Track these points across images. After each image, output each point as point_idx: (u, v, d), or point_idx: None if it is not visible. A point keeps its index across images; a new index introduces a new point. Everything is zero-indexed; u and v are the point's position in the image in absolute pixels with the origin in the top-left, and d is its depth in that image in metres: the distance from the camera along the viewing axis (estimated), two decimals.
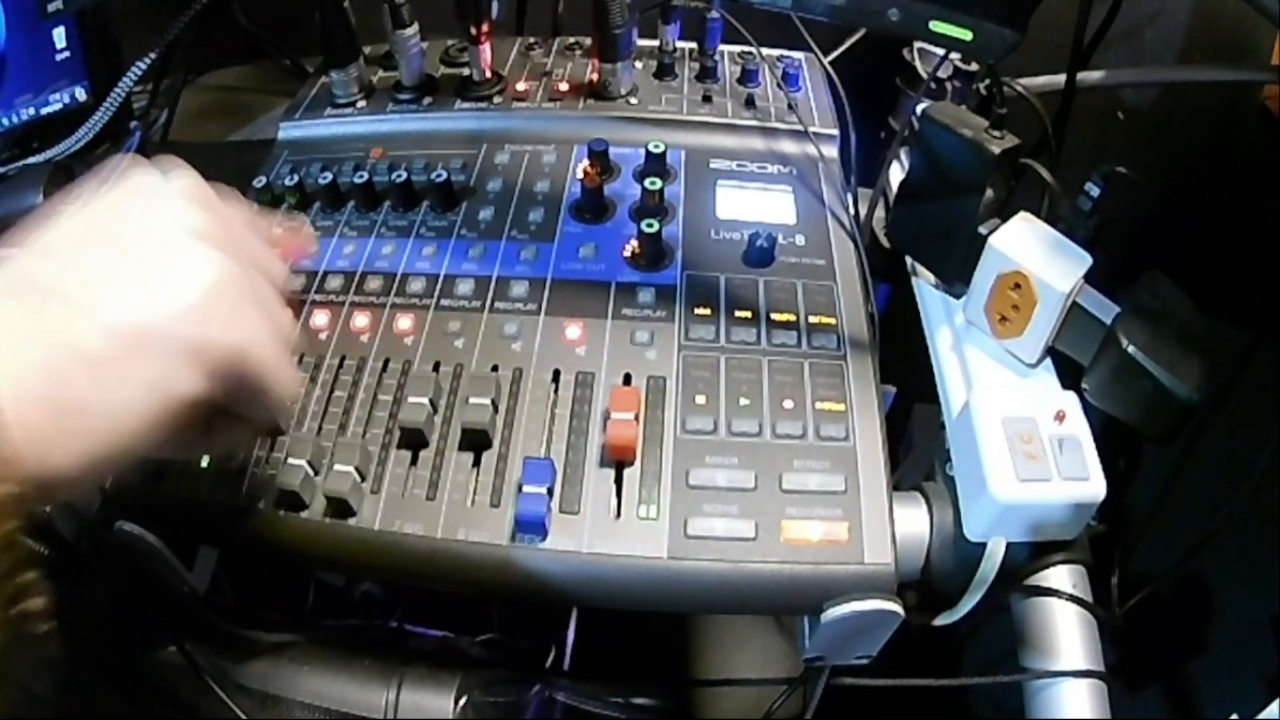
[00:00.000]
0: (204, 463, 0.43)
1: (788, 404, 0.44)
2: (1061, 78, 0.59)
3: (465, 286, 0.50)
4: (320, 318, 0.49)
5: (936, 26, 0.40)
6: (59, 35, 0.66)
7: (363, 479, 0.42)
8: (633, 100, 0.60)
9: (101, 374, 0.26)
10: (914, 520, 0.43)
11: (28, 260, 0.27)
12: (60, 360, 0.25)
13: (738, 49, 0.65)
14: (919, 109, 0.49)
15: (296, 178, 0.55)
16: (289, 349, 0.32)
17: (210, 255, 0.29)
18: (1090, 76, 0.60)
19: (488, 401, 0.42)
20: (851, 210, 0.55)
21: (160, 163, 0.32)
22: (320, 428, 0.44)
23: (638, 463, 0.42)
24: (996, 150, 0.44)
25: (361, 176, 0.54)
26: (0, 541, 0.22)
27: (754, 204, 0.54)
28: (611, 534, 0.40)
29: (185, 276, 0.28)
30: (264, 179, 0.55)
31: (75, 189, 0.31)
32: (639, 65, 0.63)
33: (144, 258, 0.28)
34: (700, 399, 0.44)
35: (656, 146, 0.54)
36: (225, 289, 0.29)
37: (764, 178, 0.56)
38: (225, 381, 0.29)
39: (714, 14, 0.63)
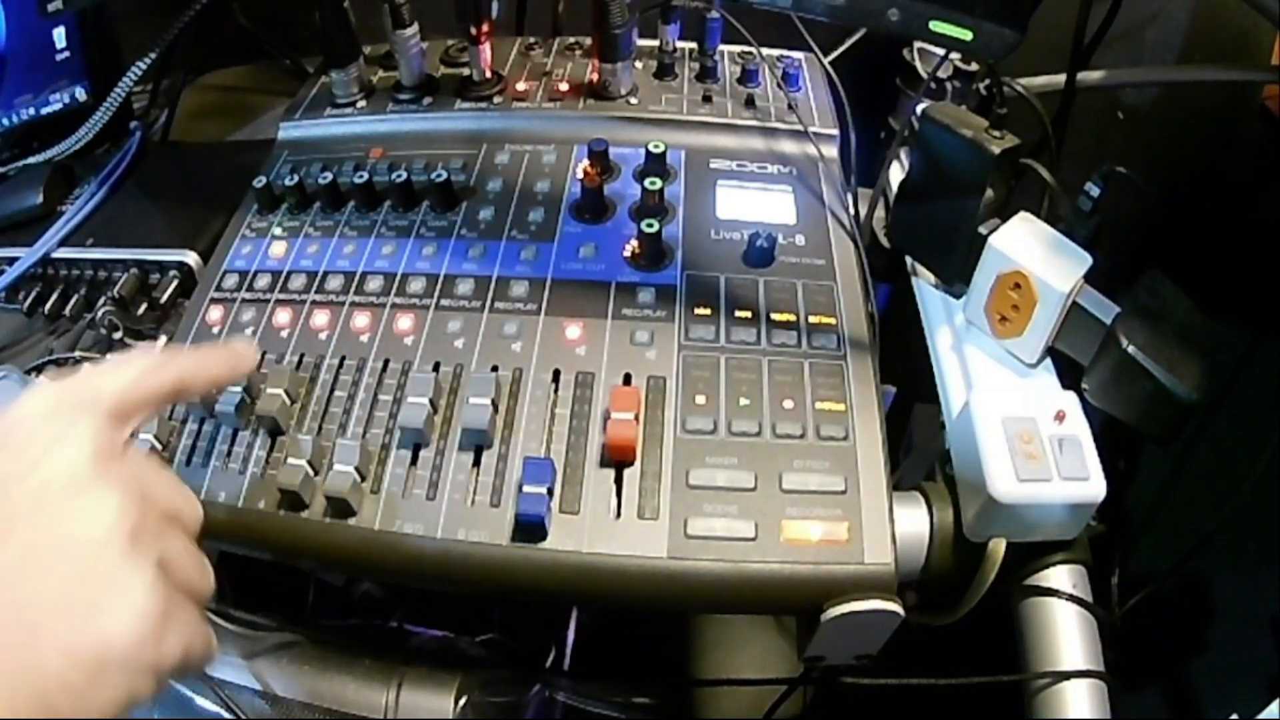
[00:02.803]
0: None
1: (788, 404, 0.44)
2: (1061, 78, 0.59)
3: (465, 286, 0.50)
4: (320, 318, 0.49)
5: (936, 26, 0.40)
6: (59, 35, 0.66)
7: (363, 479, 0.42)
8: (633, 100, 0.60)
9: (81, 696, 0.28)
10: (914, 520, 0.43)
11: None
12: (47, 688, 0.27)
13: (738, 49, 0.65)
14: (919, 109, 0.49)
15: (296, 178, 0.55)
16: (211, 644, 0.34)
17: (139, 573, 0.30)
18: (1090, 76, 0.60)
19: (488, 401, 0.42)
20: (851, 210, 0.55)
21: (60, 402, 0.32)
22: (320, 428, 0.44)
23: (638, 463, 0.42)
24: (996, 150, 0.44)
25: (361, 176, 0.54)
26: None
27: (754, 204, 0.54)
28: (611, 534, 0.40)
29: (127, 599, 0.29)
30: (264, 179, 0.55)
31: None
32: (639, 65, 0.63)
33: (81, 574, 0.29)
34: (700, 399, 0.44)
35: (656, 146, 0.54)
36: (160, 609, 0.30)
37: (764, 178, 0.56)
38: (169, 679, 0.31)
39: (714, 14, 0.63)
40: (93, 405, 0.32)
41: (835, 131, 0.59)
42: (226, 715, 0.55)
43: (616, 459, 0.42)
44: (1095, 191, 0.47)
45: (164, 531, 0.32)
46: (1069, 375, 0.46)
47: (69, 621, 0.28)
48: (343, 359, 0.47)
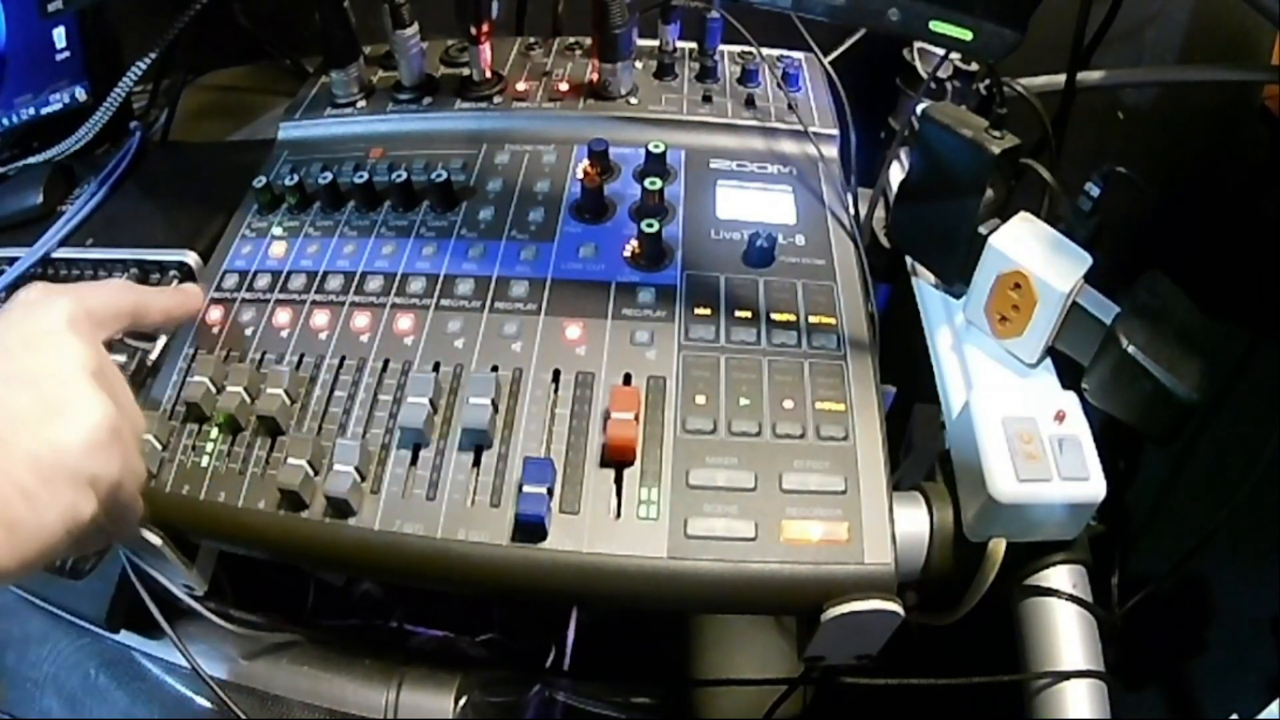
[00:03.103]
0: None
1: (788, 404, 0.44)
2: (1061, 78, 0.59)
3: (465, 286, 0.50)
4: (320, 318, 0.49)
5: (936, 26, 0.40)
6: (59, 35, 0.66)
7: (363, 479, 0.42)
8: (633, 100, 0.60)
9: (32, 499, 0.32)
10: (914, 520, 0.43)
11: None
12: (6, 492, 0.32)
13: (738, 49, 0.65)
14: (919, 109, 0.49)
15: (296, 178, 0.55)
16: (142, 484, 0.41)
17: (98, 396, 0.36)
18: (1090, 76, 0.60)
19: (488, 401, 0.42)
20: (851, 210, 0.55)
21: (46, 290, 0.39)
22: (320, 428, 0.44)
23: (638, 463, 0.42)
24: (996, 150, 0.44)
25: (361, 176, 0.54)
26: None
27: (754, 204, 0.54)
28: (611, 534, 0.40)
29: (82, 414, 0.35)
30: (264, 179, 0.55)
31: None
32: (639, 65, 0.63)
33: (48, 399, 0.35)
34: (700, 399, 0.44)
35: (656, 146, 0.54)
36: (109, 429, 0.36)
37: (764, 178, 0.56)
38: (106, 504, 0.36)
39: (714, 14, 0.63)
40: (71, 294, 0.39)
41: (835, 131, 0.59)
42: (227, 715, 0.55)
43: (616, 459, 0.42)
44: (1095, 191, 0.47)
45: (118, 381, 0.39)
46: (1069, 375, 0.46)
47: (33, 430, 0.34)
48: (343, 359, 0.47)
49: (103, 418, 0.36)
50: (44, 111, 0.68)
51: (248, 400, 0.44)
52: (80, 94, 0.69)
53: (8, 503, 0.32)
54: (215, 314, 0.50)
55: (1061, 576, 0.44)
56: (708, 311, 0.48)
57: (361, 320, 0.48)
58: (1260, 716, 0.40)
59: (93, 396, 0.36)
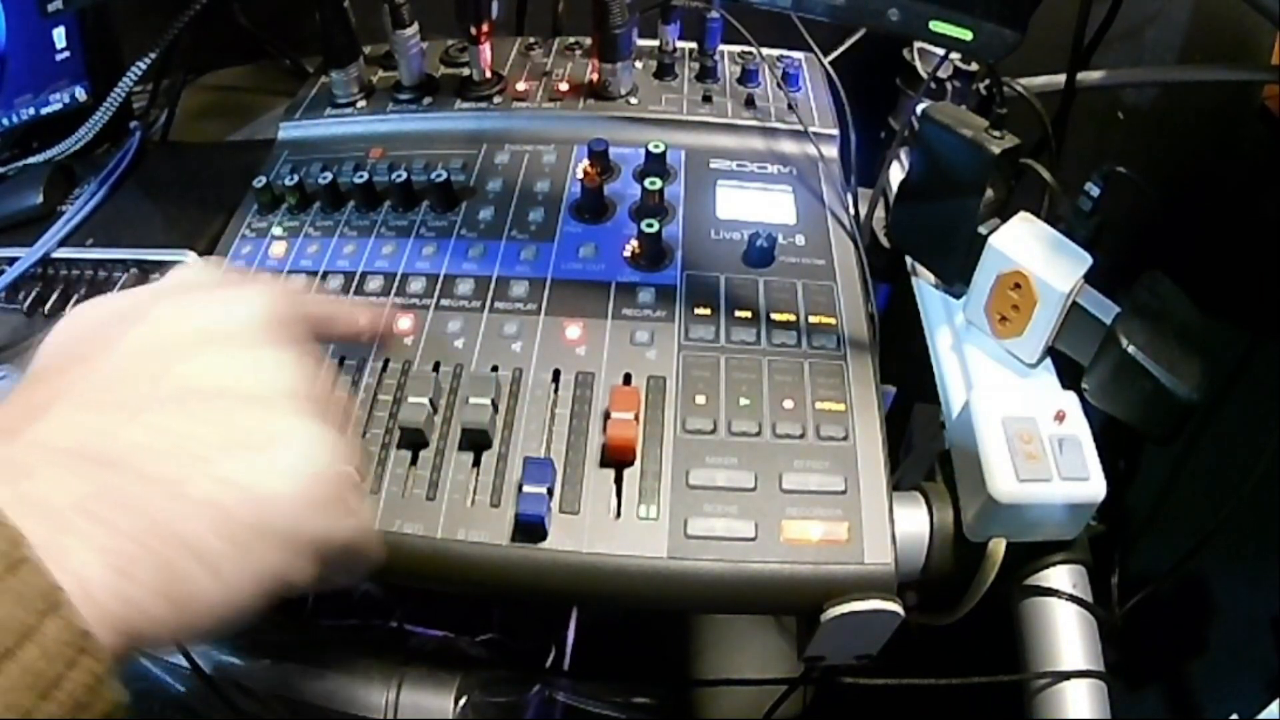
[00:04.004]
0: None
1: (788, 404, 0.44)
2: (1061, 78, 0.59)
3: (465, 286, 0.49)
4: None
5: (936, 26, 0.40)
6: (59, 35, 0.66)
7: (363, 479, 0.42)
8: (633, 100, 0.60)
9: (219, 570, 0.24)
10: (914, 520, 0.43)
11: (106, 421, 0.25)
12: (177, 557, 0.23)
13: (738, 49, 0.65)
14: (919, 109, 0.49)
15: (296, 178, 0.55)
16: (373, 530, 0.30)
17: (313, 430, 0.27)
18: (1090, 76, 0.60)
19: (488, 401, 0.42)
20: (851, 210, 0.55)
21: (230, 276, 0.30)
22: None
23: (638, 463, 0.42)
24: (996, 150, 0.44)
25: (361, 176, 0.54)
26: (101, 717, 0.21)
27: (754, 204, 0.54)
28: (611, 534, 0.40)
29: (294, 456, 0.26)
30: (264, 179, 0.55)
31: (120, 293, 0.29)
32: (639, 65, 0.63)
33: (243, 428, 0.25)
34: (700, 399, 0.44)
35: (656, 146, 0.54)
36: (331, 472, 0.26)
37: (764, 178, 0.56)
38: (323, 566, 0.27)
39: (714, 14, 0.63)
40: (267, 289, 0.30)
41: (835, 131, 0.59)
42: (227, 715, 0.55)
43: (616, 459, 0.42)
44: (1095, 191, 0.47)
45: (342, 442, 0.29)
46: (1069, 375, 0.46)
47: (223, 474, 0.24)
48: (342, 359, 0.47)
49: (323, 457, 0.26)
50: (44, 111, 0.68)
51: None
52: (80, 94, 0.69)
53: (177, 573, 0.23)
54: None
55: (1061, 576, 0.44)
56: (708, 311, 0.48)
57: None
58: (1260, 716, 0.40)
59: (308, 428, 0.27)
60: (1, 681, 0.19)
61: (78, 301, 0.57)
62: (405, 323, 0.48)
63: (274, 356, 0.28)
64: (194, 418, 0.25)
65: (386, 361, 0.46)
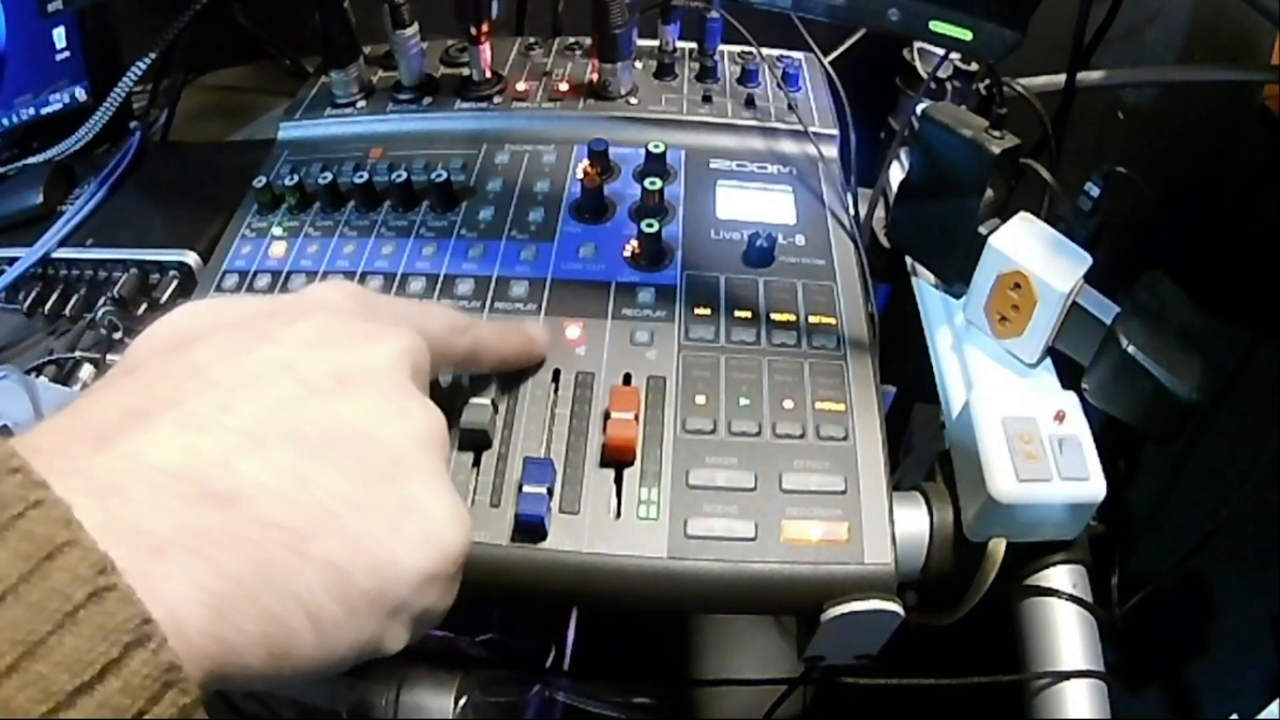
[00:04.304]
0: None
1: (788, 404, 0.44)
2: (1061, 78, 0.59)
3: (465, 286, 0.49)
4: None
5: (936, 26, 0.40)
6: (59, 35, 0.66)
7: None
8: (633, 100, 0.60)
9: (325, 632, 0.22)
10: (914, 520, 0.43)
11: (222, 448, 0.22)
12: (287, 613, 0.22)
13: (738, 49, 0.65)
14: (919, 109, 0.49)
15: (296, 178, 0.55)
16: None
17: (449, 503, 0.25)
18: (1090, 76, 0.60)
19: (488, 401, 0.42)
20: (851, 210, 0.55)
21: (367, 306, 0.27)
22: None
23: (638, 463, 0.42)
24: (996, 150, 0.44)
25: (361, 176, 0.54)
26: None
27: (754, 204, 0.54)
28: (611, 534, 0.40)
29: (426, 529, 0.24)
30: (264, 179, 0.55)
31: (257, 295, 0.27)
32: (639, 65, 0.63)
33: (375, 488, 0.24)
34: (700, 399, 0.44)
35: (656, 146, 0.54)
36: (460, 551, 0.25)
37: (764, 178, 0.56)
38: (417, 635, 0.26)
39: (714, 14, 0.63)
40: (409, 331, 0.27)
41: (835, 131, 0.59)
42: (227, 715, 0.55)
43: (616, 459, 0.42)
44: (1095, 191, 0.47)
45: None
46: (1069, 375, 0.46)
47: (351, 536, 0.23)
48: None
49: (455, 535, 0.25)
50: (44, 111, 0.68)
51: None
52: (80, 94, 0.69)
53: (283, 628, 0.22)
54: None
55: (1061, 576, 0.44)
56: (708, 311, 0.48)
57: None
58: (1260, 716, 0.40)
59: (444, 499, 0.25)
60: (75, 715, 0.18)
61: (78, 301, 0.57)
62: None
63: (412, 409, 0.26)
64: (327, 465, 0.23)
65: None
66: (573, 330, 0.47)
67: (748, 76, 0.62)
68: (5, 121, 0.66)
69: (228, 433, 0.22)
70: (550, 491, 0.40)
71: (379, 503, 0.23)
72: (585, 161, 0.56)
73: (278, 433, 0.23)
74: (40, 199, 0.61)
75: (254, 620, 0.21)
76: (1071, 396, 0.43)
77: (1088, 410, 0.42)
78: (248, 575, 0.21)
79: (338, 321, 0.26)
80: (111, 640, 0.18)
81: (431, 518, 0.24)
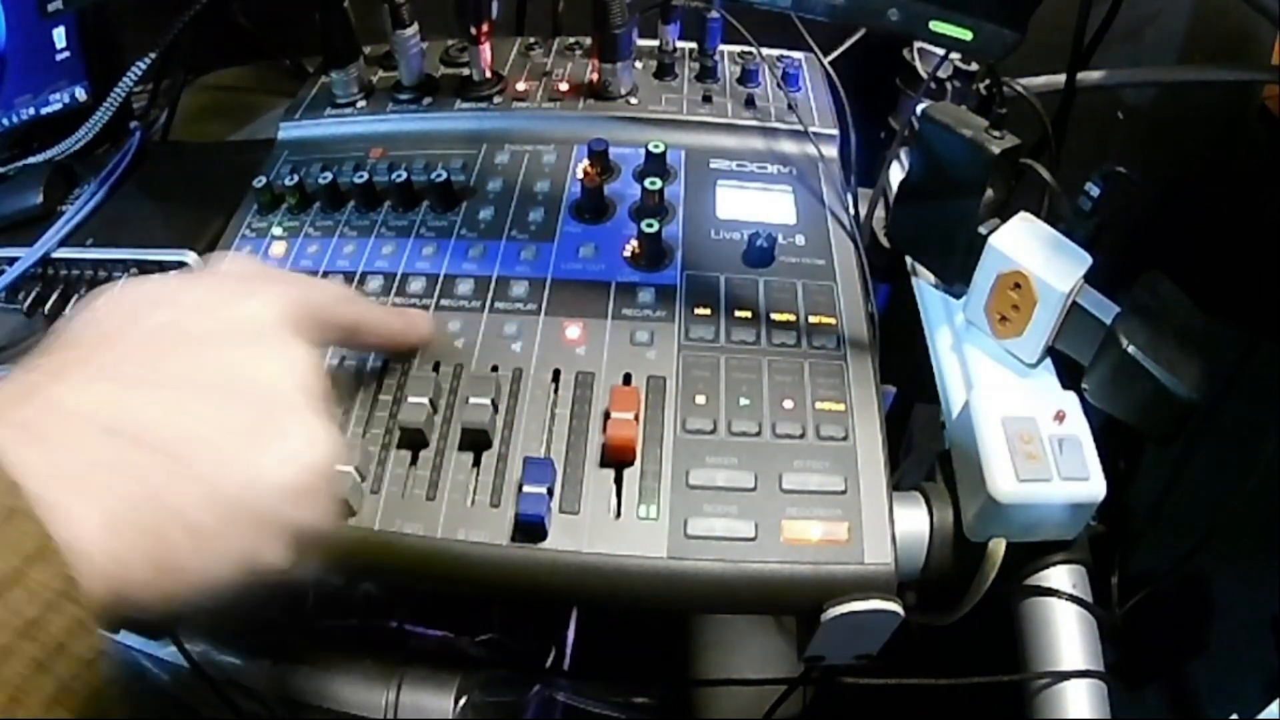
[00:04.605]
0: None
1: (788, 404, 0.44)
2: (1061, 78, 0.59)
3: (465, 286, 0.50)
4: None
5: (936, 26, 0.40)
6: (59, 35, 0.66)
7: (363, 479, 0.42)
8: (633, 100, 0.60)
9: (203, 544, 0.26)
10: (914, 520, 0.43)
11: (121, 392, 0.26)
12: (167, 527, 0.25)
13: (738, 49, 0.65)
14: (919, 109, 0.49)
15: (296, 178, 0.55)
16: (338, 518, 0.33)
17: (313, 426, 0.28)
18: (1090, 76, 0.60)
19: (488, 401, 0.42)
20: (851, 210, 0.55)
21: (261, 269, 0.32)
22: None
23: (638, 463, 0.42)
24: (996, 150, 0.44)
25: (361, 176, 0.54)
26: (79, 661, 0.23)
27: (754, 204, 0.54)
28: (611, 534, 0.40)
29: (289, 448, 0.28)
30: (264, 179, 0.55)
31: (155, 278, 0.31)
32: (639, 65, 0.63)
33: (247, 417, 0.27)
34: (700, 399, 0.44)
35: (656, 146, 0.54)
36: (322, 468, 0.28)
37: (764, 178, 0.56)
38: (297, 552, 0.29)
39: (714, 14, 0.63)
40: (294, 283, 0.32)
41: (835, 131, 0.59)
42: (227, 715, 0.55)
43: (616, 459, 0.42)
44: (1095, 191, 0.47)
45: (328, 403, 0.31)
46: (1069, 375, 0.46)
47: (222, 457, 0.26)
48: (342, 359, 0.47)
49: (316, 453, 0.28)
50: (44, 111, 0.68)
51: None
52: (80, 94, 0.69)
53: (165, 542, 0.25)
54: None
55: (1061, 576, 0.44)
56: (708, 311, 0.48)
57: None
58: (1260, 716, 0.40)
59: (308, 423, 0.28)
60: None
61: (78, 301, 0.57)
62: None
63: (288, 353, 0.29)
64: (205, 401, 0.27)
65: (386, 361, 0.46)
66: (573, 330, 0.47)
67: (748, 76, 0.62)
68: (5, 121, 0.66)
69: (127, 380, 0.27)
70: (550, 491, 0.40)
71: (250, 429, 0.27)
72: (585, 161, 0.56)
73: (168, 376, 0.27)
74: (40, 199, 0.61)
75: (140, 534, 0.25)
76: (1071, 396, 0.43)
77: (1088, 410, 0.42)
78: (135, 495, 0.25)
79: (225, 284, 0.31)
80: (17, 554, 0.21)
81: (296, 438, 0.28)
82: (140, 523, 0.25)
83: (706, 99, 0.61)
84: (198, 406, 0.27)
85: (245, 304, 0.30)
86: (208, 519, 0.26)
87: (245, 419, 0.27)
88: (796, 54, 0.65)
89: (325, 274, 0.51)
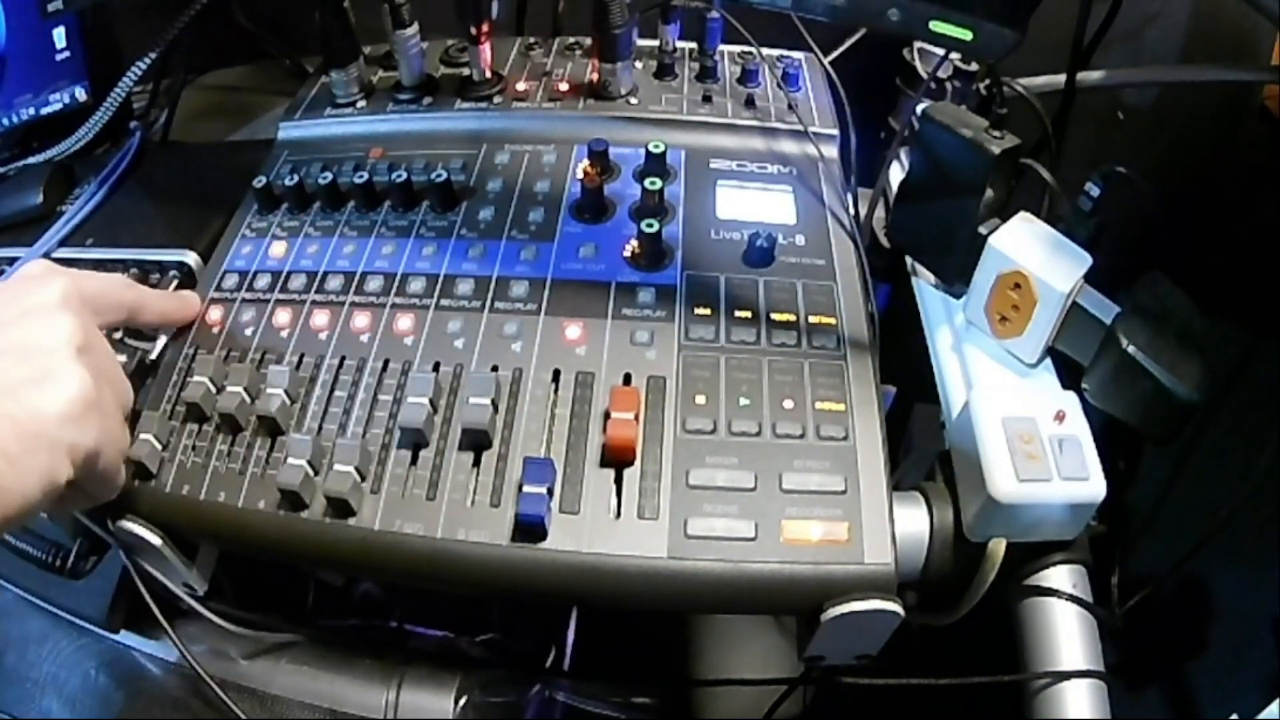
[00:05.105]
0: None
1: (788, 404, 0.44)
2: (1061, 78, 0.59)
3: (465, 286, 0.50)
4: (320, 318, 0.49)
5: (936, 26, 0.40)
6: (59, 35, 0.66)
7: (363, 479, 0.42)
8: (633, 100, 0.60)
9: (14, 465, 0.35)
10: (914, 520, 0.43)
11: None
12: None
13: (738, 49, 0.65)
14: (919, 109, 0.49)
15: (296, 178, 0.55)
16: (124, 452, 0.43)
17: (78, 371, 0.38)
18: (1090, 76, 0.60)
19: (488, 401, 0.42)
20: (851, 210, 0.55)
21: (47, 268, 0.43)
22: (320, 428, 0.44)
23: (638, 463, 0.42)
24: (996, 150, 0.44)
25: (361, 176, 0.54)
26: None
27: (754, 204, 0.54)
28: (611, 534, 0.40)
29: (62, 386, 0.38)
30: (264, 179, 0.55)
31: None
32: (639, 65, 0.63)
33: (34, 369, 0.37)
34: (700, 399, 0.44)
35: (656, 146, 0.54)
36: (88, 401, 0.38)
37: (764, 178, 0.56)
38: (84, 469, 0.38)
39: (714, 14, 0.63)
40: (70, 275, 0.42)
41: (835, 131, 0.59)
42: (227, 715, 0.55)
43: (616, 459, 0.42)
44: (1095, 191, 0.47)
45: (106, 357, 0.42)
46: (1069, 375, 0.46)
47: (16, 398, 0.36)
48: (343, 359, 0.47)
49: (80, 390, 0.38)
50: (44, 111, 0.68)
51: (248, 400, 0.44)
52: (80, 94, 0.69)
53: None
54: (215, 314, 0.50)
55: (1061, 576, 0.44)
56: (708, 311, 0.48)
57: (361, 320, 0.48)
58: (1260, 716, 0.40)
59: (73, 369, 0.38)
60: None
61: None
62: (405, 323, 0.48)
63: (63, 320, 0.39)
64: (6, 364, 0.37)
65: (386, 361, 0.46)
66: (573, 330, 0.47)
67: (748, 76, 0.62)
68: (5, 121, 0.66)
69: None
70: (550, 491, 0.40)
71: (36, 378, 0.37)
72: (585, 161, 0.56)
73: None
74: (40, 199, 0.61)
75: None
76: (1071, 396, 0.43)
77: (1088, 410, 0.42)
78: None
79: (25, 281, 0.41)
80: None
81: (63, 380, 0.38)
82: None
83: (706, 99, 0.61)
84: (3, 368, 0.37)
85: (36, 293, 0.40)
86: (15, 445, 0.35)
87: (32, 371, 0.37)
88: (796, 54, 0.65)
89: (325, 274, 0.51)
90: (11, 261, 0.58)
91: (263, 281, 0.51)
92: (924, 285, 0.53)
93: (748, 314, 0.48)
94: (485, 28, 0.58)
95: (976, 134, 0.44)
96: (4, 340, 0.38)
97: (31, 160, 0.65)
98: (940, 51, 0.54)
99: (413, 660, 0.57)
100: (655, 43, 0.65)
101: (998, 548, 0.42)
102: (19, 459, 0.35)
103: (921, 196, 0.49)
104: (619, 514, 0.41)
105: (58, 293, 0.40)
